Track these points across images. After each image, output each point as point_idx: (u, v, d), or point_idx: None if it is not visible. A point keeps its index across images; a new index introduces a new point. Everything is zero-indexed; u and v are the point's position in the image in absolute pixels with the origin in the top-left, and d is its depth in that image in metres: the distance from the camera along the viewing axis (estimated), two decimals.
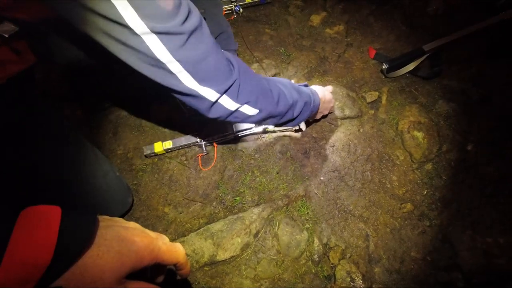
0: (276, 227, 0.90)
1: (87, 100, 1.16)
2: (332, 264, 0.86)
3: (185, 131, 1.08)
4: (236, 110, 0.64)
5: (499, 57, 1.14)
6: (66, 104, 1.16)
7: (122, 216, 0.93)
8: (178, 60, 0.50)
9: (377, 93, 1.12)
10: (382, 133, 1.05)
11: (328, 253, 0.87)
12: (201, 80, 0.55)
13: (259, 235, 0.89)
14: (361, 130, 1.05)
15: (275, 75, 1.19)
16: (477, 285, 0.81)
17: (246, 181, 0.98)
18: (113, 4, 0.41)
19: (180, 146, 1.02)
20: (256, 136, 1.05)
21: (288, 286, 0.83)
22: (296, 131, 1.04)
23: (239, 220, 0.89)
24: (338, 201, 0.95)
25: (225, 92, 0.59)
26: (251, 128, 1.01)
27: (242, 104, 0.63)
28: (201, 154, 1.02)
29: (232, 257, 0.85)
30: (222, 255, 0.85)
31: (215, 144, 1.03)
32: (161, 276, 0.44)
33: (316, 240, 0.88)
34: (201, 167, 1.02)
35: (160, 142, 1.01)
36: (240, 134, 1.02)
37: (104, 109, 1.15)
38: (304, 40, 1.27)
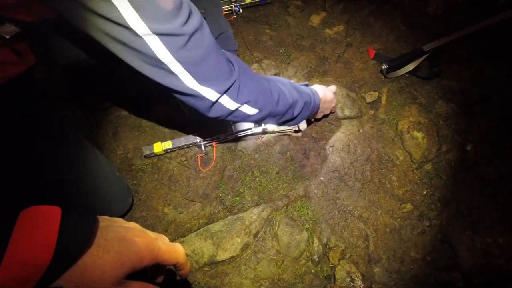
0: (276, 227, 0.90)
1: (87, 100, 1.16)
2: (332, 264, 0.86)
3: (184, 132, 1.08)
4: (236, 109, 0.64)
5: (499, 57, 1.14)
6: (66, 104, 1.16)
7: (122, 216, 0.93)
8: (179, 61, 0.51)
9: (376, 93, 1.12)
10: (382, 133, 1.05)
11: (328, 253, 0.87)
12: (201, 80, 0.55)
13: (259, 235, 0.89)
14: (360, 130, 1.06)
15: (275, 75, 1.19)
16: (477, 285, 0.81)
17: (246, 181, 0.98)
18: (114, 6, 0.41)
19: (180, 146, 1.02)
20: (255, 137, 1.05)
21: (288, 286, 0.83)
22: (295, 131, 1.04)
23: (239, 220, 0.89)
24: (338, 201, 0.95)
25: (225, 92, 0.59)
26: (250, 129, 1.01)
27: (242, 104, 0.64)
28: (200, 155, 1.02)
29: (232, 257, 0.85)
30: (221, 256, 0.85)
31: (214, 145, 1.03)
32: (161, 276, 0.44)
33: (316, 240, 0.88)
34: (200, 168, 1.02)
35: (159, 143, 1.01)
36: (239, 134, 1.02)
37: (104, 109, 1.15)
38: (304, 40, 1.27)
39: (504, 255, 0.82)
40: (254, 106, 0.66)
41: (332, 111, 1.05)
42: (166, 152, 1.03)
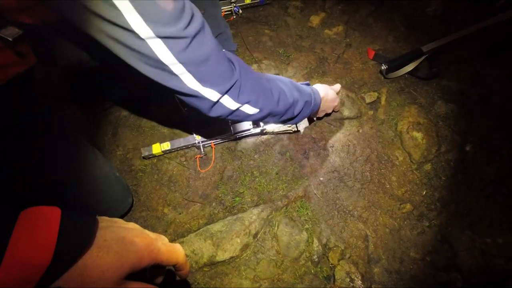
0: (276, 228, 0.90)
1: (86, 101, 1.16)
2: (332, 264, 0.86)
3: (184, 132, 1.09)
4: (237, 109, 0.65)
5: (498, 58, 1.14)
6: (65, 104, 1.16)
7: (121, 217, 0.93)
8: (181, 63, 0.51)
9: (376, 93, 1.12)
10: (381, 134, 1.05)
11: (328, 254, 0.87)
12: (203, 81, 0.56)
13: (259, 235, 0.89)
14: (360, 131, 1.06)
15: None
16: (476, 285, 0.81)
17: (245, 182, 0.99)
18: (118, 9, 0.42)
19: (178, 147, 1.02)
20: (255, 137, 1.05)
21: (287, 287, 0.84)
22: (294, 131, 1.04)
23: (238, 220, 0.89)
24: (337, 201, 0.95)
25: (226, 92, 0.60)
26: (249, 129, 1.01)
27: (243, 103, 0.64)
28: (199, 156, 1.03)
29: (231, 257, 0.85)
30: (221, 256, 0.85)
31: (213, 145, 1.03)
32: (161, 276, 0.44)
33: (315, 241, 0.89)
34: (199, 169, 1.02)
35: (158, 144, 1.01)
36: (238, 135, 1.02)
37: (103, 110, 1.15)
38: (304, 41, 1.28)
39: (503, 255, 0.83)
40: (254, 105, 0.66)
41: (335, 110, 1.05)
42: (165, 153, 1.04)
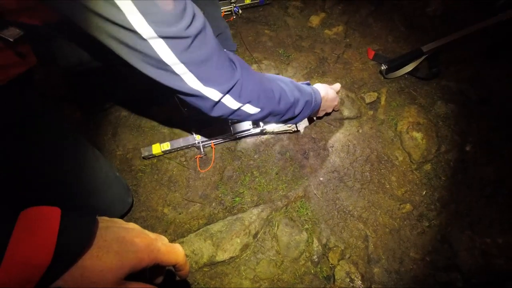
0: (276, 228, 0.90)
1: (86, 101, 1.16)
2: (332, 264, 0.86)
3: (184, 132, 1.09)
4: (238, 109, 0.65)
5: (498, 58, 1.14)
6: (65, 104, 1.16)
7: (121, 217, 0.93)
8: (183, 62, 0.51)
9: (376, 94, 1.12)
10: (381, 134, 1.05)
11: (328, 254, 0.87)
12: (205, 81, 0.56)
13: (259, 235, 0.89)
14: (360, 131, 1.06)
15: None
16: (476, 285, 0.81)
17: (245, 182, 0.99)
18: (121, 10, 0.42)
19: (178, 147, 1.02)
20: (255, 137, 1.05)
21: (287, 287, 0.84)
22: (294, 131, 1.04)
23: (238, 220, 0.89)
24: (337, 201, 0.95)
25: (227, 92, 0.60)
26: (249, 130, 1.01)
27: (244, 103, 0.65)
28: (199, 156, 1.03)
29: (231, 257, 0.85)
30: (221, 256, 0.85)
31: (212, 146, 1.03)
32: (160, 277, 0.44)
33: (315, 241, 0.89)
34: (199, 169, 1.02)
35: (158, 144, 1.01)
36: (238, 135, 1.02)
37: (103, 110, 1.15)
38: (303, 41, 1.28)
39: (503, 255, 0.83)
40: (256, 105, 0.67)
41: (335, 109, 1.05)
42: (165, 153, 1.04)
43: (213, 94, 0.59)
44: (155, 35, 0.46)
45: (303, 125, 1.05)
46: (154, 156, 1.04)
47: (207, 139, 1.01)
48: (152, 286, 0.38)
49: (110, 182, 0.83)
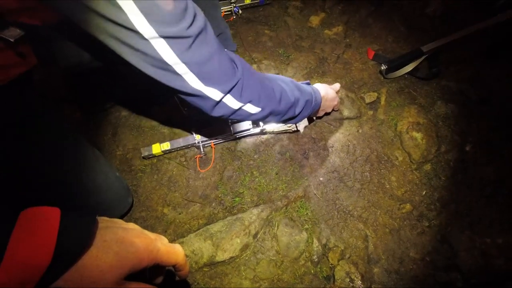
0: (275, 228, 0.90)
1: (86, 101, 1.16)
2: (331, 264, 0.86)
3: (184, 132, 1.09)
4: (239, 108, 0.65)
5: (498, 58, 1.14)
6: (65, 105, 1.16)
7: (121, 217, 0.93)
8: (184, 62, 0.51)
9: (376, 94, 1.12)
10: (381, 134, 1.05)
11: (327, 254, 0.88)
12: (206, 81, 0.56)
13: (258, 235, 0.89)
14: (360, 131, 1.06)
15: None
16: (476, 285, 0.81)
17: (245, 182, 0.99)
18: (123, 10, 0.42)
19: (178, 147, 1.02)
20: (255, 137, 1.06)
21: (287, 287, 0.84)
22: (294, 131, 1.04)
23: (238, 221, 0.89)
24: (337, 201, 0.95)
25: (229, 91, 0.60)
26: (249, 129, 1.01)
27: (245, 103, 0.65)
28: (199, 156, 1.03)
29: (231, 257, 0.85)
30: (221, 256, 0.85)
31: (212, 145, 1.03)
32: (160, 277, 0.44)
33: (315, 241, 0.89)
34: (199, 169, 1.02)
35: (158, 144, 1.01)
36: (238, 135, 1.02)
37: (103, 110, 1.15)
38: (303, 41, 1.28)
39: (503, 256, 0.83)
40: (256, 105, 0.67)
41: (335, 109, 1.05)
42: (165, 153, 1.04)
43: (214, 94, 0.59)
44: (156, 35, 0.46)
45: (303, 125, 1.05)
46: (154, 156, 1.04)
47: (207, 139, 1.01)
48: (152, 286, 0.38)
49: (110, 182, 0.83)
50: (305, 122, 1.05)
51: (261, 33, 1.30)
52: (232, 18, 1.35)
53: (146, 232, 0.39)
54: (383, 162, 1.00)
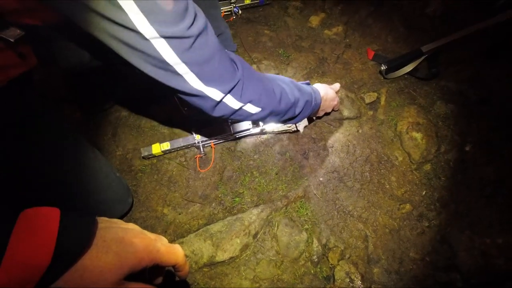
0: (275, 228, 0.90)
1: (86, 101, 1.16)
2: (331, 264, 0.86)
3: (184, 132, 1.09)
4: (240, 108, 0.65)
5: (498, 58, 1.14)
6: (65, 105, 1.16)
7: (121, 217, 0.93)
8: (184, 62, 0.51)
9: (375, 94, 1.12)
10: (381, 134, 1.05)
11: (327, 254, 0.88)
12: (206, 81, 0.56)
13: (258, 236, 0.89)
14: (360, 131, 1.06)
15: None
16: (476, 285, 0.81)
17: (245, 182, 0.99)
18: (124, 10, 0.42)
19: (178, 147, 1.02)
20: (255, 137, 1.06)
21: (287, 287, 0.84)
22: (293, 131, 1.04)
23: (238, 221, 0.89)
24: (337, 201, 0.95)
25: (229, 92, 0.60)
26: (249, 129, 1.01)
27: (246, 103, 0.65)
28: (198, 156, 1.03)
29: (231, 258, 0.85)
30: (221, 256, 0.85)
31: (212, 145, 1.03)
32: (160, 277, 0.44)
33: (315, 241, 0.89)
34: (199, 169, 1.02)
35: (157, 144, 1.01)
36: (238, 135, 1.02)
37: (103, 110, 1.15)
38: (303, 41, 1.28)
39: (503, 256, 0.83)
40: (257, 105, 0.67)
41: (335, 109, 1.05)
42: (165, 153, 1.04)
43: (214, 94, 0.59)
44: (157, 35, 0.46)
45: (302, 125, 1.05)
46: (154, 156, 1.04)
47: (207, 139, 1.01)
48: (152, 286, 0.38)
49: (110, 182, 0.83)
50: (305, 122, 1.05)
51: (261, 33, 1.30)
52: (232, 18, 1.35)
53: (145, 232, 0.39)
54: (383, 162, 1.00)
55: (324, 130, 1.06)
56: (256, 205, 0.94)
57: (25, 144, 0.65)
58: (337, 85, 1.02)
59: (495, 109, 1.05)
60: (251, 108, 0.67)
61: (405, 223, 0.92)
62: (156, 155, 1.03)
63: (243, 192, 0.97)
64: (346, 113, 1.08)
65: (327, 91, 0.94)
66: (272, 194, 0.96)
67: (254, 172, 1.00)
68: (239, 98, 0.63)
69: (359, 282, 0.83)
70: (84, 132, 1.10)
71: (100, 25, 0.45)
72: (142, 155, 1.01)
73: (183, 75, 0.54)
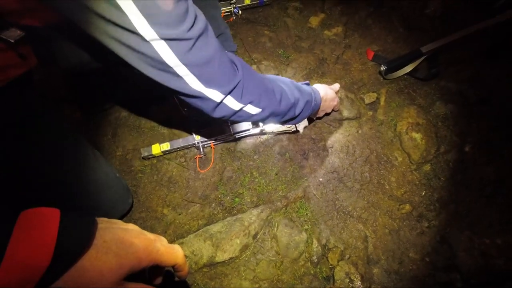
0: (275, 228, 0.90)
1: (86, 102, 1.16)
2: (331, 265, 0.86)
3: (184, 133, 1.09)
4: (240, 109, 0.65)
5: (498, 58, 1.14)
6: (65, 105, 1.16)
7: (121, 218, 0.93)
8: (184, 64, 0.51)
9: (375, 94, 1.12)
10: (381, 134, 1.05)
11: (327, 254, 0.88)
12: (206, 82, 0.56)
13: (258, 236, 0.89)
14: (359, 132, 1.06)
15: None
16: (476, 285, 0.81)
17: (245, 182, 0.99)
18: (124, 12, 0.42)
19: (178, 148, 1.02)
20: (254, 137, 1.06)
21: (287, 287, 0.84)
22: (293, 131, 1.04)
23: (238, 221, 0.89)
24: (337, 202, 0.95)
25: (229, 93, 0.60)
26: (248, 130, 1.01)
27: (246, 104, 0.65)
28: (198, 156, 1.03)
29: (231, 258, 0.85)
30: (221, 257, 0.85)
31: (212, 146, 1.03)
32: (160, 277, 0.44)
33: (315, 241, 0.89)
34: (198, 169, 1.02)
35: (157, 144, 1.01)
36: (238, 135, 1.02)
37: (103, 111, 1.15)
38: (303, 42, 1.28)
39: (502, 256, 0.83)
40: (257, 105, 0.67)
41: (335, 109, 1.05)
42: (165, 154, 1.04)
43: (215, 95, 0.59)
44: (157, 37, 0.46)
45: (302, 125, 1.05)
46: (153, 157, 1.04)
47: (206, 139, 1.01)
48: (151, 286, 0.38)
49: (110, 183, 0.83)
50: (304, 122, 1.05)
51: (261, 33, 1.31)
52: (232, 19, 1.35)
53: (145, 232, 0.39)
54: (382, 162, 1.01)
55: (324, 130, 1.06)
56: (256, 206, 0.94)
57: (25, 144, 0.65)
58: (336, 86, 1.02)
59: (495, 109, 1.05)
60: (252, 109, 0.67)
61: (404, 223, 0.92)
62: (156, 155, 1.03)
63: (243, 192, 0.97)
64: (345, 113, 1.08)
65: (326, 92, 0.94)
66: (272, 195, 0.96)
67: (254, 173, 1.00)
68: (240, 99, 0.63)
69: (358, 283, 0.83)
70: (84, 132, 1.10)
71: (100, 26, 0.45)
72: (142, 155, 1.01)
73: (183, 77, 0.54)
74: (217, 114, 0.64)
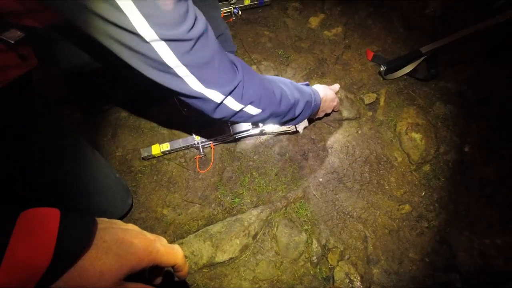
0: (275, 229, 0.90)
1: (86, 102, 1.17)
2: (331, 265, 0.86)
3: (183, 133, 1.09)
4: (241, 110, 0.65)
5: (498, 58, 1.14)
6: (65, 105, 1.16)
7: (121, 218, 0.93)
8: (185, 65, 0.52)
9: (375, 94, 1.12)
10: (380, 135, 1.05)
11: (327, 255, 0.88)
12: (207, 83, 0.56)
13: (258, 236, 0.89)
14: (359, 132, 1.06)
15: None
16: (475, 285, 0.81)
17: (244, 183, 0.99)
18: (124, 12, 0.42)
19: (178, 148, 1.02)
20: (254, 138, 1.06)
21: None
22: (293, 132, 1.04)
23: (237, 221, 0.89)
24: (336, 202, 0.95)
25: (230, 93, 0.60)
26: (248, 130, 1.01)
27: (246, 104, 0.65)
28: (198, 156, 1.03)
29: (230, 258, 0.85)
30: (220, 257, 0.85)
31: (212, 146, 1.04)
32: (159, 277, 0.44)
33: (314, 242, 0.89)
34: (198, 170, 1.02)
35: (157, 145, 1.01)
36: (237, 136, 1.02)
37: (103, 111, 1.15)
38: (303, 42, 1.28)
39: (502, 256, 0.83)
40: (257, 106, 0.67)
41: (335, 110, 1.05)
42: (165, 154, 1.04)
43: (215, 96, 0.59)
44: (158, 37, 0.46)
45: (302, 125, 1.05)
46: (153, 157, 1.04)
47: (206, 139, 1.01)
48: (151, 287, 0.38)
49: (110, 183, 0.83)
50: (304, 123, 1.05)
51: (261, 34, 1.31)
52: (231, 19, 1.35)
53: (145, 233, 0.39)
54: (382, 163, 1.01)
55: (324, 131, 1.06)
56: (256, 206, 0.94)
57: (25, 144, 0.65)
58: (336, 86, 1.02)
59: (495, 109, 1.05)
60: (252, 110, 0.67)
61: (404, 223, 0.92)
62: (156, 156, 1.03)
63: (243, 193, 0.97)
64: (345, 114, 1.08)
65: (326, 92, 0.94)
66: (271, 195, 0.96)
67: (254, 173, 1.00)
68: (240, 99, 0.63)
69: (358, 283, 0.83)
70: (84, 132, 1.10)
71: (100, 27, 0.45)
72: (142, 156, 1.01)
73: (184, 78, 0.54)
74: (218, 114, 0.64)
